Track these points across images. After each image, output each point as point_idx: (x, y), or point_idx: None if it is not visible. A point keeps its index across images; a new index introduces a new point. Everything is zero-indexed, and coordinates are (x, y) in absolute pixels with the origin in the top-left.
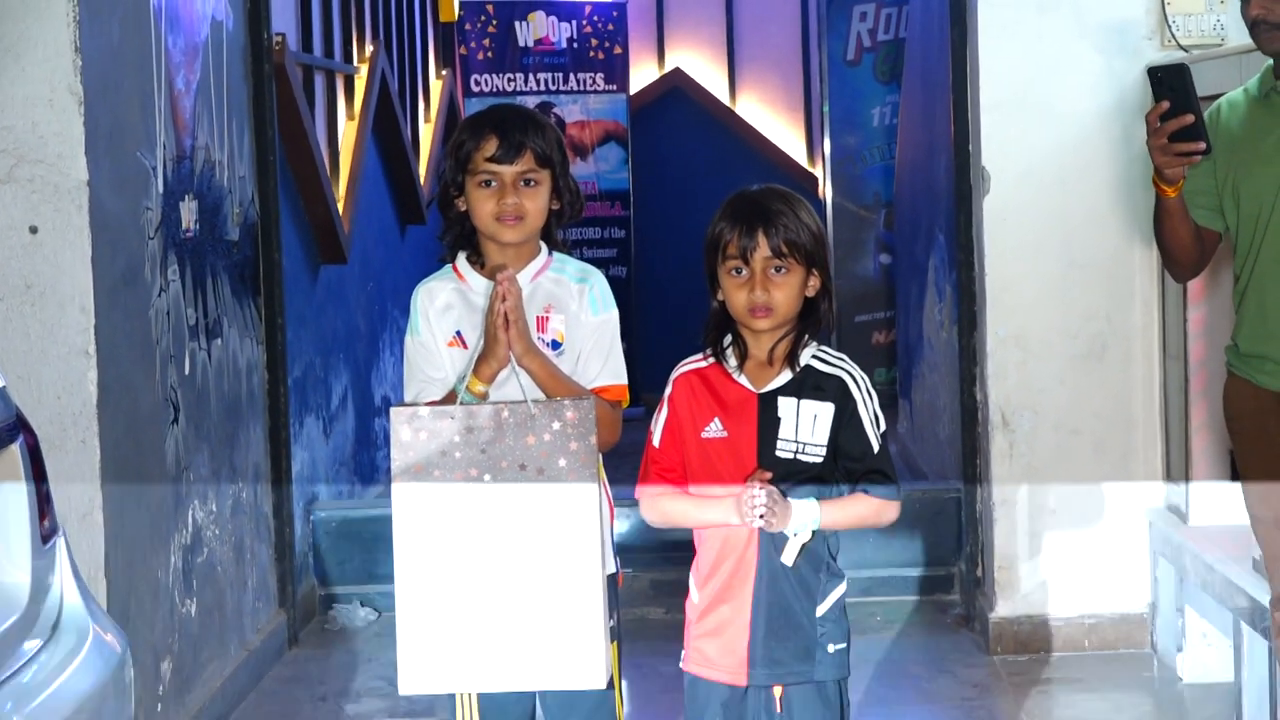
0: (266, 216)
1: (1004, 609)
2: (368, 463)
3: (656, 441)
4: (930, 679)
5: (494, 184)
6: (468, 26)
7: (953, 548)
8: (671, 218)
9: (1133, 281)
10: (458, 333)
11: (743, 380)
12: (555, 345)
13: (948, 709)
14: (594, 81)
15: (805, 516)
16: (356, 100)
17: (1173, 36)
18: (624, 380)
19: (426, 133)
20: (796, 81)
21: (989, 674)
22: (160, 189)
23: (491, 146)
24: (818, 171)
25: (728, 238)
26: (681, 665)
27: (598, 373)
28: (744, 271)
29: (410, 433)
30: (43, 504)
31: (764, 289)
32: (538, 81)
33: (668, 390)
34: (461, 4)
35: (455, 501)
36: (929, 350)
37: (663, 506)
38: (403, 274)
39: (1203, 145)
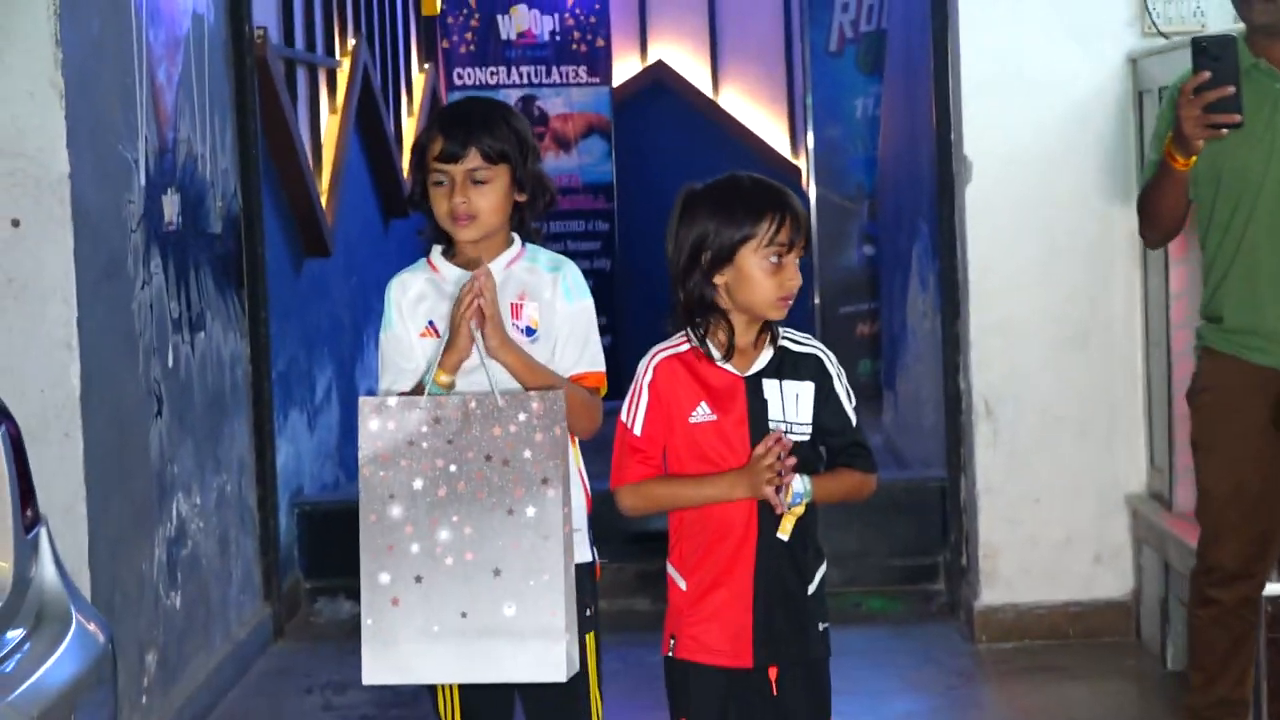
0: (249, 210)
1: (988, 597)
2: (352, 456)
3: (638, 430)
4: (915, 667)
5: (445, 183)
6: (450, 20)
7: (937, 537)
8: (655, 210)
9: (1114, 267)
10: (430, 323)
11: (726, 365)
12: (530, 332)
13: (932, 697)
14: (576, 74)
15: (800, 488)
16: (339, 94)
17: (1153, 23)
18: (602, 367)
19: (409, 126)
20: (779, 73)
21: (973, 662)
22: (142, 182)
23: (438, 146)
24: (801, 163)
25: (772, 227)
26: (670, 654)
27: (575, 360)
28: (779, 260)
29: (378, 423)
30: (25, 494)
31: (793, 277)
32: (520, 75)
33: (647, 377)
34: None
35: (421, 491)
36: (913, 340)
37: (651, 492)
38: (386, 267)
39: (1238, 118)
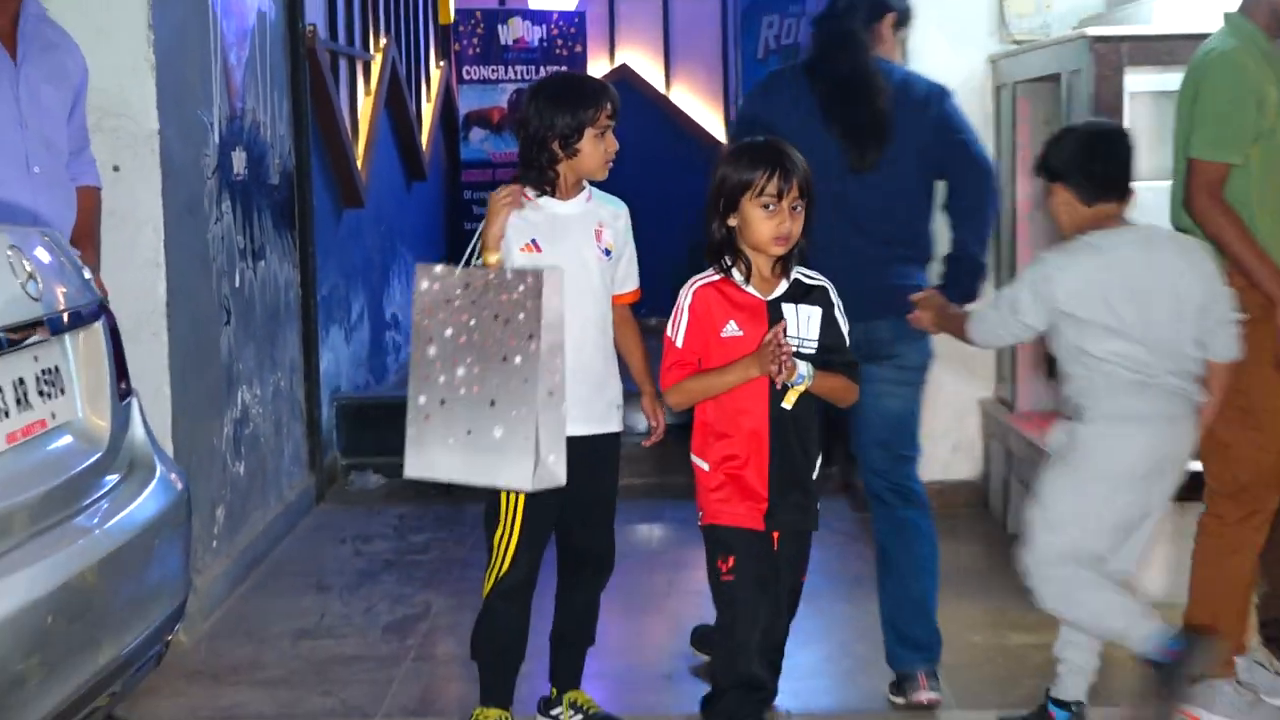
0: (300, 167)
1: None
2: (379, 365)
3: (680, 343)
4: None
5: (605, 135)
6: (460, 28)
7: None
8: (619, 180)
9: None
10: (533, 240)
11: (752, 290)
12: (608, 253)
13: (823, 550)
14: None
15: (803, 370)
16: (373, 81)
17: (1009, 33)
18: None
19: (428, 110)
20: (718, 75)
21: (858, 527)
22: (216, 140)
23: (610, 109)
24: None
25: (763, 180)
26: (702, 522)
27: (628, 276)
28: (773, 207)
29: (427, 284)
30: (120, 369)
31: (790, 221)
32: (515, 72)
33: (687, 300)
34: (456, 10)
35: (449, 337)
36: None
37: (688, 386)
38: (407, 219)
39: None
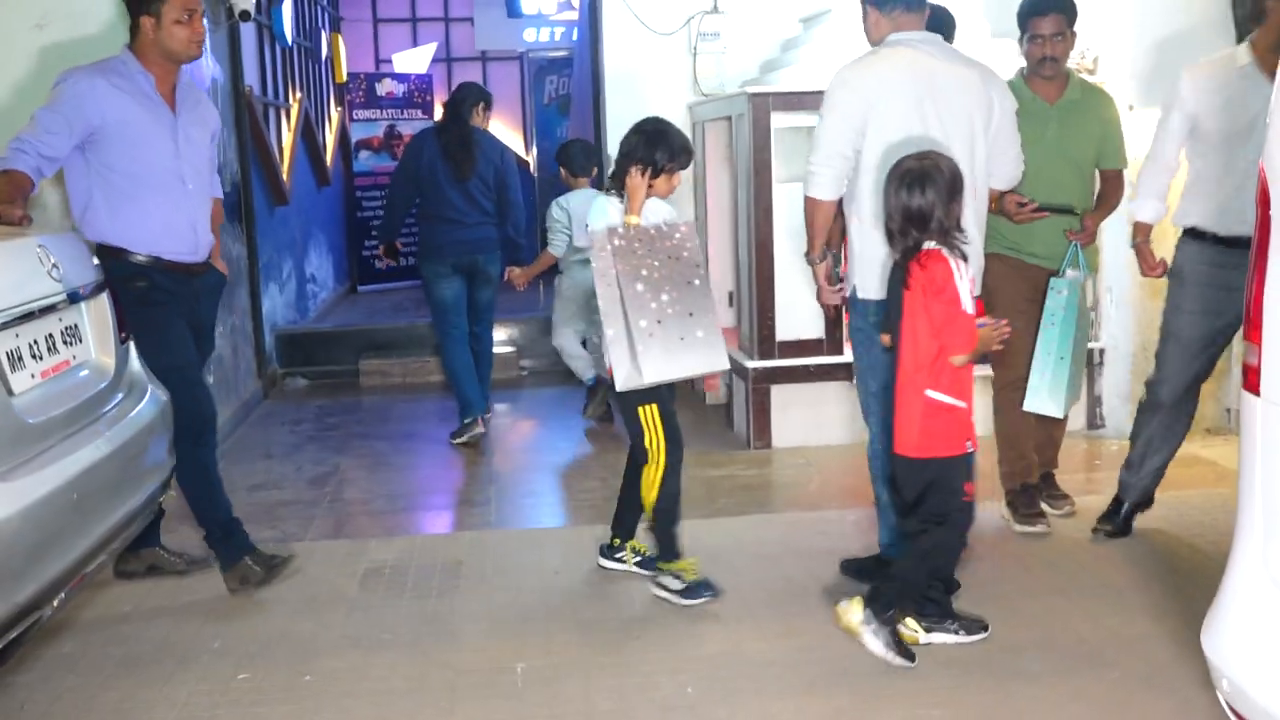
0: (245, 179)
1: None
2: (303, 308)
3: (972, 310)
4: None
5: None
6: (350, 84)
7: None
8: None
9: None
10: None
11: None
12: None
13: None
14: (417, 114)
15: None
16: (292, 121)
17: (700, 89)
18: None
19: (330, 140)
20: (518, 115)
21: None
22: None
23: (682, 162)
24: (530, 159)
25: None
26: (970, 449)
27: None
28: None
29: (618, 241)
30: (120, 324)
31: None
32: (387, 114)
33: (968, 278)
34: (347, 74)
35: (646, 275)
36: None
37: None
38: (318, 212)
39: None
